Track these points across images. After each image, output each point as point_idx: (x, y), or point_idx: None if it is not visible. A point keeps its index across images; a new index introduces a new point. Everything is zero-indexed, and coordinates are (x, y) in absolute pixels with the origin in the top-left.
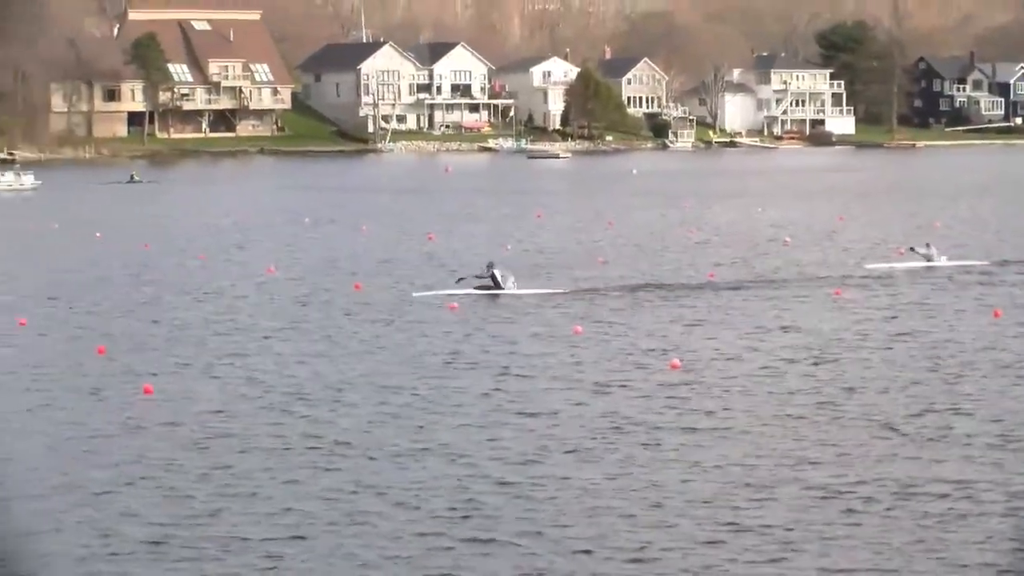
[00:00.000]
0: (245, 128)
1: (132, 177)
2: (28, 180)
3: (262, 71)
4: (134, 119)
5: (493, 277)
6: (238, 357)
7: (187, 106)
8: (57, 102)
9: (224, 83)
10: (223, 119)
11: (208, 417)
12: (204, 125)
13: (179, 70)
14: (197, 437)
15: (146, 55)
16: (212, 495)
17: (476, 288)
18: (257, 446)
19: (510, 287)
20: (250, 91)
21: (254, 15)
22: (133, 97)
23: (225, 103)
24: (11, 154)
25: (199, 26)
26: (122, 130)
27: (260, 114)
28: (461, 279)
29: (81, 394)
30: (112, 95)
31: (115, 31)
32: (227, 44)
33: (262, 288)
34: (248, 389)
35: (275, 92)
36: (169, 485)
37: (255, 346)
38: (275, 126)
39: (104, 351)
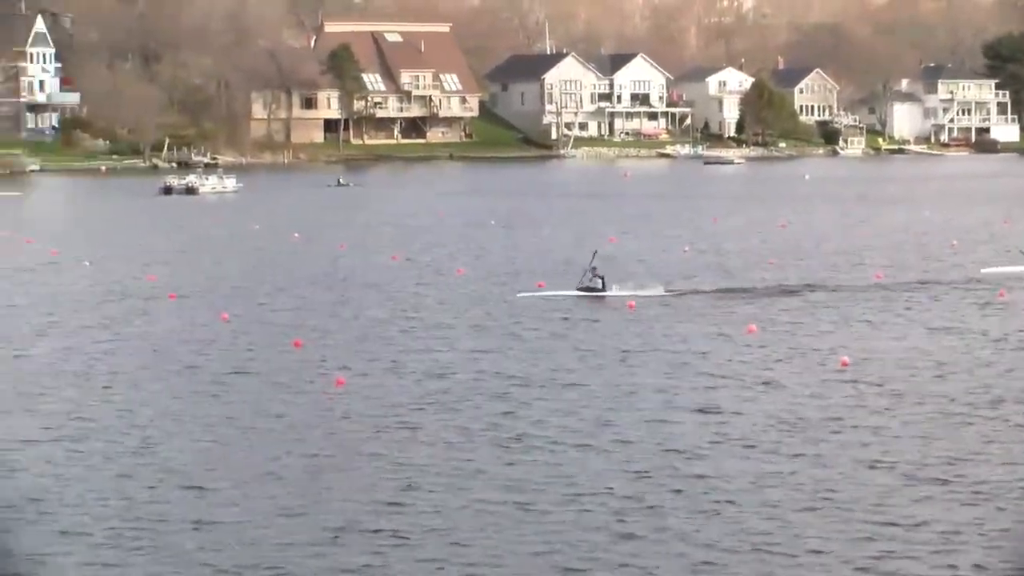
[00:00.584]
0: (435, 135)
1: (339, 181)
2: (230, 183)
3: (451, 81)
4: (330, 126)
5: (601, 280)
6: (425, 353)
7: (380, 114)
8: (258, 110)
9: (415, 92)
10: (414, 126)
11: (395, 410)
12: (396, 132)
13: (372, 79)
14: (384, 429)
15: (341, 65)
16: (395, 486)
17: (579, 290)
18: (439, 439)
19: (613, 290)
20: (440, 100)
21: (444, 28)
22: (329, 105)
23: (416, 111)
24: (214, 159)
25: (391, 38)
26: (319, 136)
27: (449, 121)
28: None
29: (279, 385)
30: (309, 103)
31: (312, 43)
32: (418, 55)
33: (450, 287)
34: (433, 384)
35: (463, 101)
36: (356, 475)
37: (441, 343)
38: (463, 133)
39: (300, 345)
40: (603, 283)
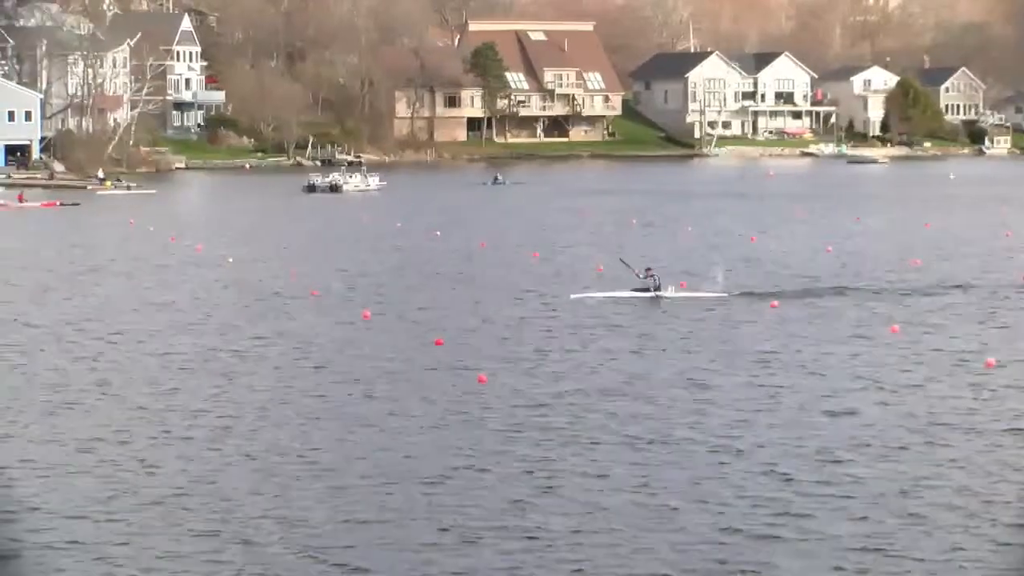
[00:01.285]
0: (577, 133)
1: (496, 178)
2: (374, 181)
3: (594, 79)
4: (473, 124)
5: (655, 280)
6: (564, 352)
7: (523, 112)
8: (401, 108)
9: (558, 90)
10: (556, 125)
11: (532, 408)
12: (539, 130)
13: (516, 78)
14: (523, 428)
15: (485, 64)
16: (528, 486)
17: (634, 290)
18: (575, 438)
19: (669, 292)
20: (583, 98)
21: (587, 26)
22: (472, 104)
23: (559, 109)
24: (358, 157)
25: (535, 36)
26: (461, 135)
27: (592, 120)
28: (622, 262)
29: (421, 383)
30: (453, 101)
31: (456, 41)
32: (561, 53)
33: (589, 286)
34: (569, 384)
35: (606, 99)
36: (491, 473)
37: (578, 342)
38: (606, 131)
39: (442, 343)
40: (657, 283)
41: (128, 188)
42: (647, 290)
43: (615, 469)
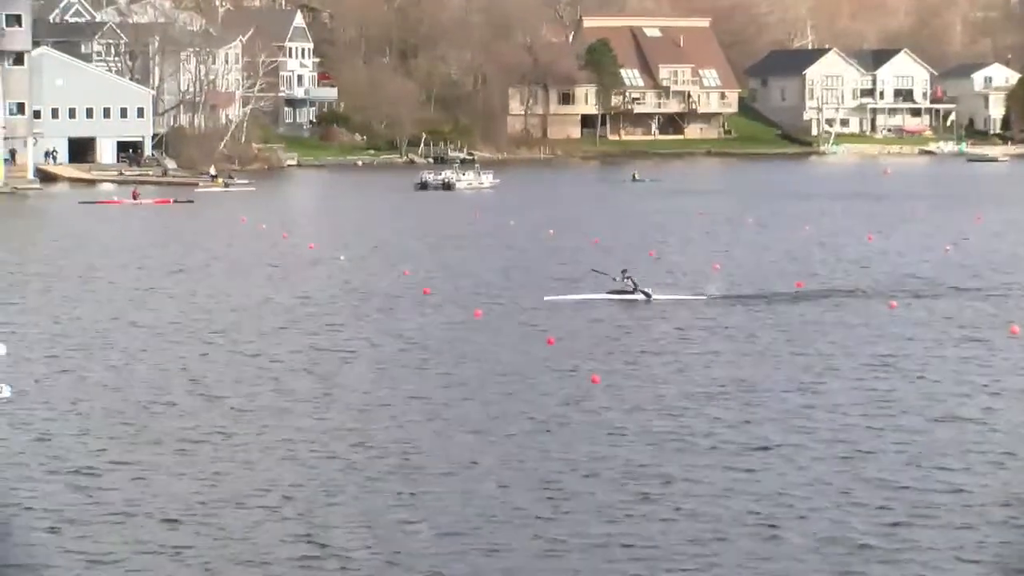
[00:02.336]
0: (693, 131)
1: (634, 176)
2: (487, 179)
3: (710, 76)
4: (586, 121)
5: (632, 282)
6: (672, 355)
7: (637, 109)
8: (514, 105)
9: (673, 87)
10: (671, 122)
11: (644, 411)
12: (653, 128)
13: (630, 75)
14: (634, 431)
15: (600, 60)
16: (635, 493)
17: (611, 293)
18: (685, 444)
19: (646, 293)
20: (698, 95)
21: (703, 22)
22: (586, 100)
23: (674, 107)
24: (471, 154)
25: (650, 33)
26: (575, 132)
27: (707, 117)
28: (595, 271)
29: (533, 383)
30: (566, 98)
31: (570, 37)
32: (677, 50)
33: (704, 283)
34: (684, 387)
35: (722, 96)
36: (600, 480)
37: (685, 342)
38: (721, 129)
39: (552, 342)
40: (634, 285)
41: (243, 184)
42: (624, 292)
43: (719, 478)
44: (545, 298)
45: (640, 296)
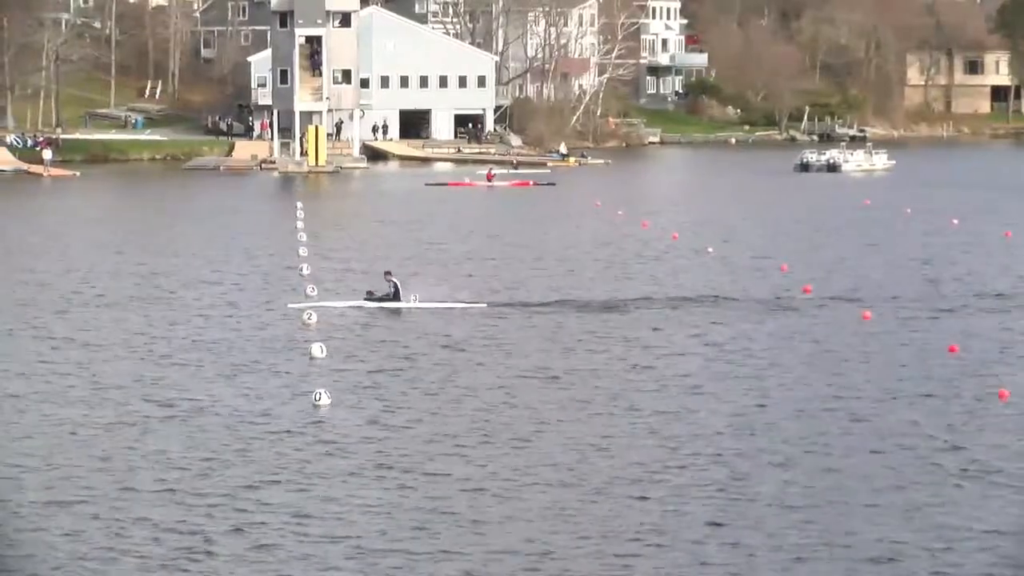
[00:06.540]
0: None
1: None
2: (880, 160)
3: None
4: (997, 94)
5: (396, 288)
6: None
7: None
8: (913, 75)
9: None
10: None
11: None
12: None
13: None
14: None
15: (1014, 22)
16: None
17: (375, 301)
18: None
19: (411, 301)
20: None
21: None
22: (997, 69)
23: None
24: (861, 131)
25: None
26: (984, 106)
27: None
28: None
29: (931, 397)
30: (974, 67)
31: None
32: None
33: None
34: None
35: None
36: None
37: None
38: None
39: (955, 350)
40: (396, 291)
41: (596, 163)
42: (384, 299)
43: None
44: (288, 306)
45: (403, 304)
